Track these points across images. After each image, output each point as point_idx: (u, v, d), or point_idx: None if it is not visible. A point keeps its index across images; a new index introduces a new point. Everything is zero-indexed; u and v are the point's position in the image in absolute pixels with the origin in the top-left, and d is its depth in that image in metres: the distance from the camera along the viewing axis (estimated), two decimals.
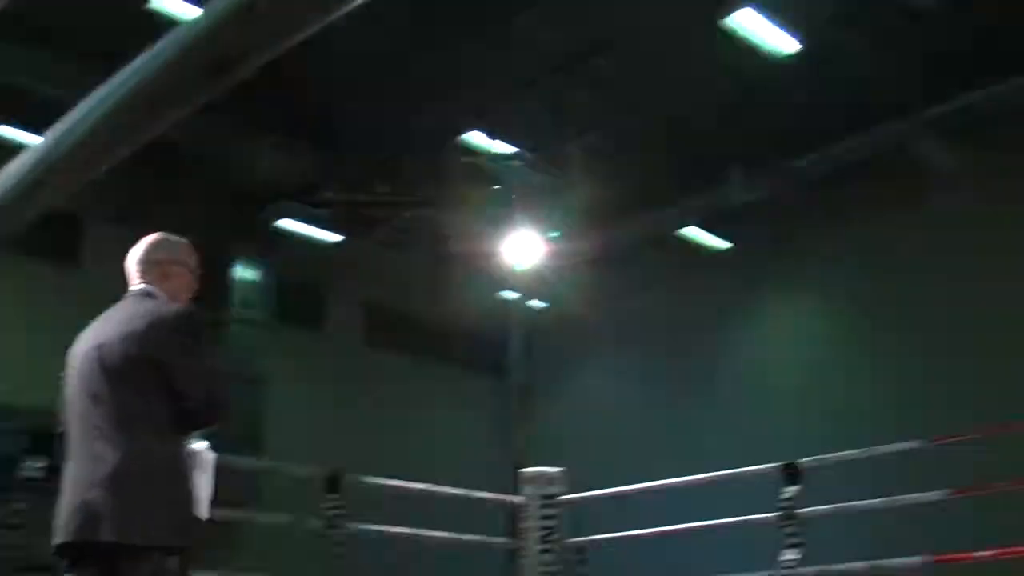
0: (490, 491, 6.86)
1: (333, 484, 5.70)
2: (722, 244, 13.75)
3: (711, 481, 6.00)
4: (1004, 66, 9.77)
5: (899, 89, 10.10)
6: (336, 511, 5.64)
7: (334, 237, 13.41)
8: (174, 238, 3.22)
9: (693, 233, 13.53)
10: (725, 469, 6.00)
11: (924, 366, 11.00)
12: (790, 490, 5.25)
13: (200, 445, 3.07)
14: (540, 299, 14.49)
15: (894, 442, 5.45)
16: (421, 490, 6.22)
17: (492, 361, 15.23)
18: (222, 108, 10.46)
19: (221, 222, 11.75)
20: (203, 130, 9.82)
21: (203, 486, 3.03)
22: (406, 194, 12.13)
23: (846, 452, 5.41)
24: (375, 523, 5.92)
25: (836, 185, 11.35)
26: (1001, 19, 9.25)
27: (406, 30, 9.59)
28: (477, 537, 6.67)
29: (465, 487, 6.48)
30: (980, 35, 9.48)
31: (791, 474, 5.30)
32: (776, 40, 9.74)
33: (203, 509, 3.00)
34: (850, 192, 11.58)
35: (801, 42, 9.74)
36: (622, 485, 6.47)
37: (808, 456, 5.41)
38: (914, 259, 11.43)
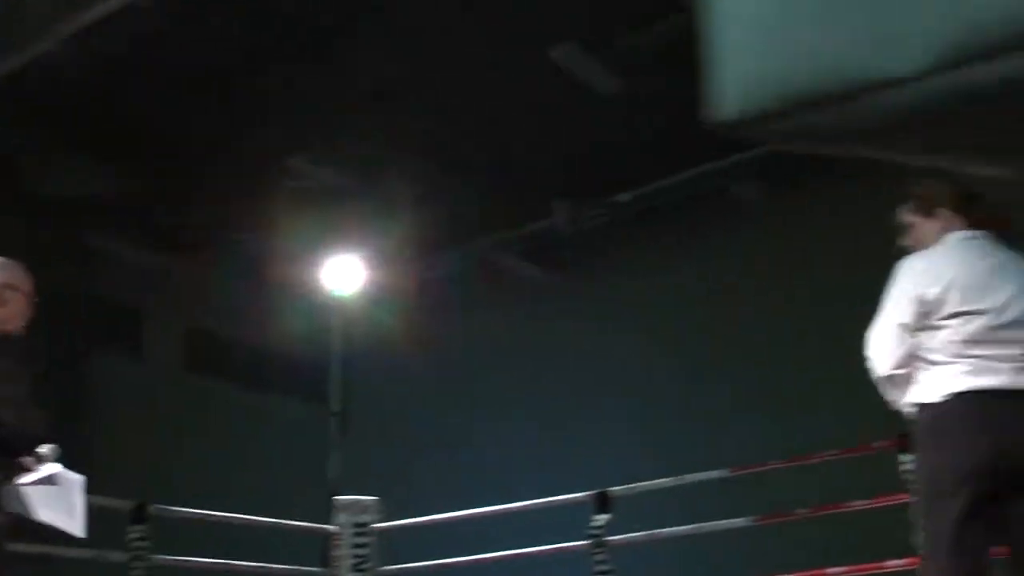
0: (309, 519, 6.79)
1: (139, 515, 5.54)
2: (545, 273, 13.97)
3: (523, 509, 6.09)
4: None
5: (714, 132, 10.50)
6: (141, 543, 5.48)
7: (155, 260, 13.04)
8: (8, 261, 3.10)
9: (516, 261, 13.71)
10: (543, 496, 6.10)
11: (735, 395, 11.35)
12: (600, 518, 5.37)
13: (55, 468, 2.98)
14: (361, 325, 14.41)
15: (705, 470, 5.65)
16: (231, 519, 6.11)
17: (312, 387, 15.04)
18: (38, 123, 10.09)
19: (36, 242, 11.31)
20: (18, 144, 9.46)
21: (73, 506, 2.95)
22: (229, 218, 11.93)
23: (656, 481, 5.58)
24: (186, 554, 5.78)
25: (656, 219, 11.69)
26: None
27: (235, 51, 9.46)
28: (289, 567, 6.58)
29: (284, 515, 6.40)
30: None
31: (602, 502, 5.42)
32: (600, 78, 9.99)
33: (77, 528, 2.93)
34: (669, 226, 11.93)
35: (624, 81, 10.01)
36: (440, 513, 6.50)
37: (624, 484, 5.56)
38: (729, 291, 11.84)
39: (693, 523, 5.53)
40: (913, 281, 3.14)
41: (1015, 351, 3.03)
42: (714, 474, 5.45)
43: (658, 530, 5.56)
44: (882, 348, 3.16)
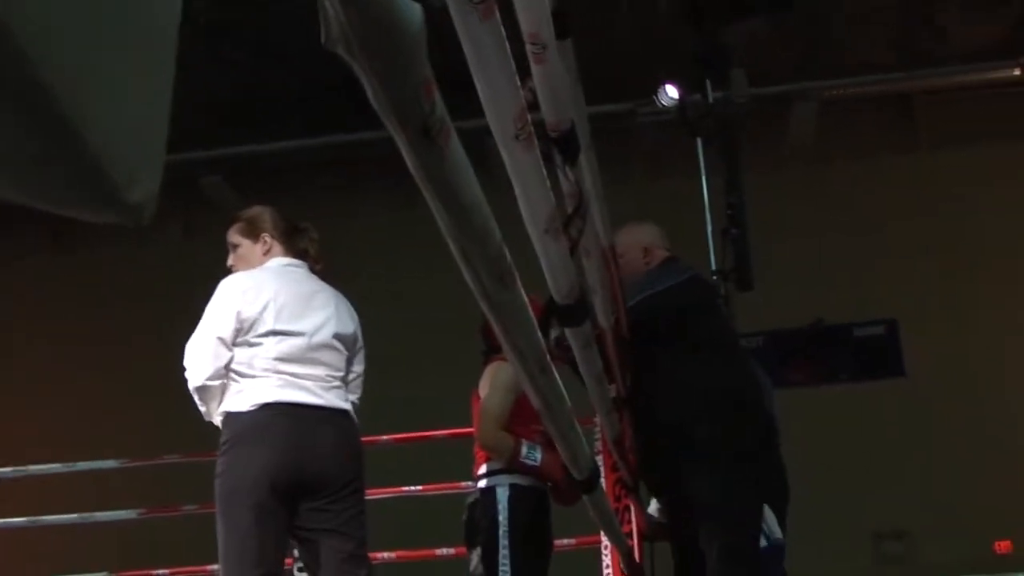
0: None
1: None
2: None
3: None
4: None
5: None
6: None
7: None
8: None
9: None
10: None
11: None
12: None
13: None
14: None
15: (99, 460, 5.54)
16: None
17: None
18: None
19: None
20: None
21: None
22: None
23: (44, 467, 5.39)
24: None
25: None
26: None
27: None
28: None
29: None
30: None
31: None
32: None
33: None
34: None
35: None
36: None
37: None
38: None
39: (80, 512, 5.39)
40: (234, 298, 3.30)
41: (321, 371, 3.32)
42: (106, 464, 5.36)
43: (43, 517, 5.36)
44: (198, 359, 3.26)
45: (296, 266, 3.50)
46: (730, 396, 3.72)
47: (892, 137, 12.53)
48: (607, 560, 5.05)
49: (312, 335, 3.30)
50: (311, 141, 10.92)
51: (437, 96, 0.77)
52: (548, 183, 1.66)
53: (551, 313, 2.17)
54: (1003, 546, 11.06)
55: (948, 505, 10.80)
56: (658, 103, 7.93)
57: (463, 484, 5.40)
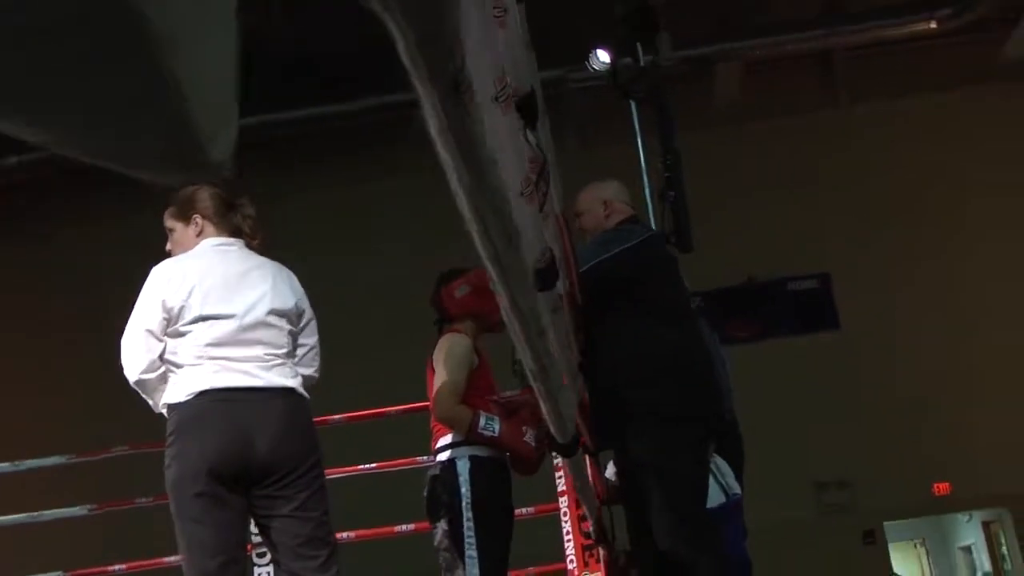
0: None
1: None
2: None
3: None
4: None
5: None
6: None
7: None
8: None
9: None
10: None
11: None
12: None
13: None
14: None
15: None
16: None
17: None
18: None
19: None
20: None
21: None
22: None
23: None
24: None
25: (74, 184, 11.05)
26: None
27: None
28: None
29: None
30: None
31: None
32: None
33: None
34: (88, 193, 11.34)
35: None
36: None
37: None
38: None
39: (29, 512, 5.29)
40: (159, 288, 3.23)
41: (259, 351, 3.21)
42: (50, 460, 5.25)
43: None
44: (130, 354, 3.22)
45: (228, 245, 3.39)
46: (667, 361, 3.75)
47: (815, 94, 12.69)
48: (567, 527, 5.07)
49: (244, 316, 3.21)
50: (263, 117, 10.76)
51: (465, 53, 0.76)
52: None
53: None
54: (941, 488, 11.36)
55: (888, 452, 11.05)
56: (590, 68, 7.92)
57: (418, 459, 5.40)
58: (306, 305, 3.42)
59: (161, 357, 3.20)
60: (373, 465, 5.33)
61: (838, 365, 11.36)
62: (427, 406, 5.61)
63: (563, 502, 5.10)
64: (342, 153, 12.04)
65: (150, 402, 3.28)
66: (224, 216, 3.42)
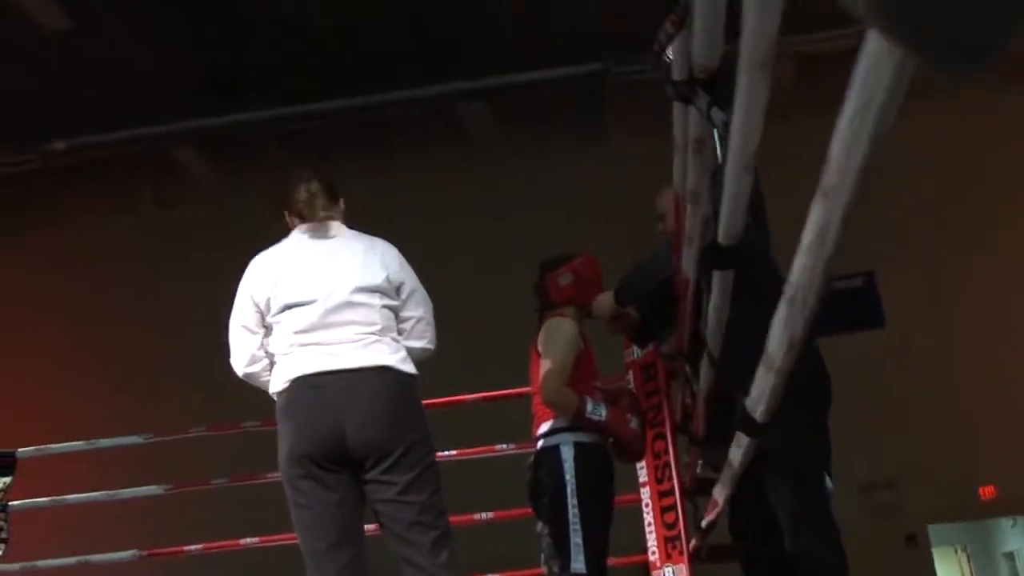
0: None
1: None
2: None
3: None
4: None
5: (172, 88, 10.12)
6: None
7: None
8: None
9: None
10: None
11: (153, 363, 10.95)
12: (2, 481, 4.96)
13: None
14: None
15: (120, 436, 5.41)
16: None
17: None
18: None
19: None
20: None
21: None
22: None
23: (67, 444, 5.25)
24: None
25: (81, 175, 11.00)
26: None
27: None
28: None
29: None
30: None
31: (6, 464, 5.01)
32: (46, 12, 9.13)
33: None
34: (92, 185, 11.28)
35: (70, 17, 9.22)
36: None
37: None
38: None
39: (107, 490, 5.28)
40: (247, 283, 3.31)
41: (350, 332, 3.19)
42: (130, 440, 5.22)
43: (67, 496, 5.23)
44: (233, 351, 3.30)
45: (310, 231, 3.40)
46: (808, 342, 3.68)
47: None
48: (649, 518, 5.02)
49: (327, 298, 3.21)
50: (284, 110, 10.74)
51: None
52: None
53: (712, 252, 2.12)
54: (987, 491, 11.25)
55: (934, 454, 10.95)
56: (666, 59, 7.85)
57: (496, 447, 5.36)
58: (405, 277, 3.38)
59: (261, 349, 3.26)
60: (453, 452, 5.28)
61: (884, 365, 11.27)
62: (503, 394, 5.60)
63: (645, 493, 5.05)
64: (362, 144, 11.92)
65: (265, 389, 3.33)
66: (305, 203, 3.42)
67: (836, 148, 0.98)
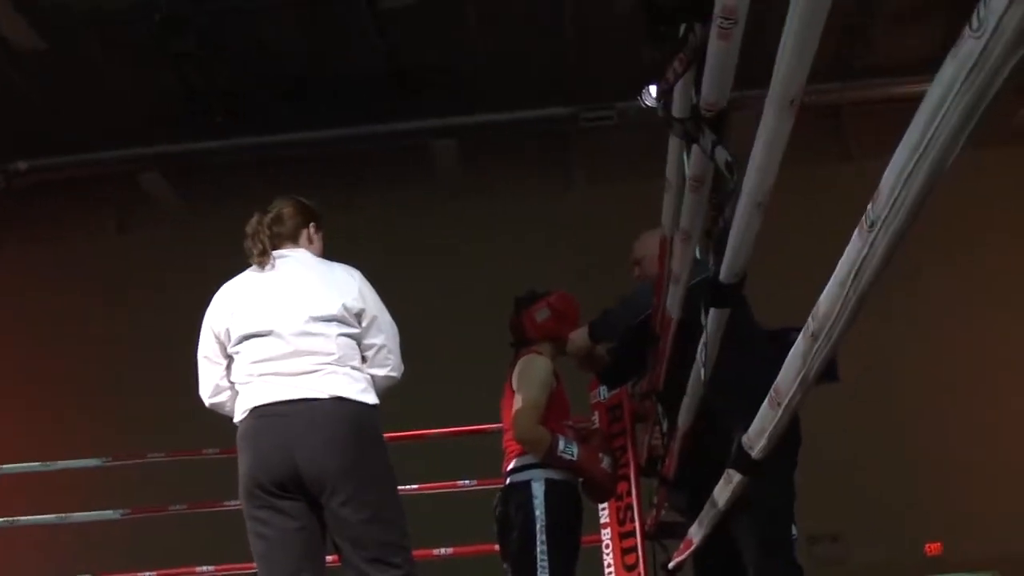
0: None
1: None
2: None
3: None
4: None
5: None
6: None
7: None
8: None
9: None
10: None
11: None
12: None
13: None
14: None
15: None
16: None
17: None
18: None
19: None
20: None
21: None
22: None
23: (21, 464, 5.16)
24: None
25: (46, 196, 10.86)
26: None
27: None
28: None
29: None
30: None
31: None
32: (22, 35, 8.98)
33: None
34: (57, 207, 11.14)
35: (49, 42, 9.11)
36: None
37: None
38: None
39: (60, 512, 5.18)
40: (209, 316, 3.30)
41: (306, 362, 3.15)
42: (88, 462, 5.14)
43: (19, 517, 5.13)
44: (200, 380, 3.30)
45: (268, 261, 3.34)
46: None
47: (822, 147, 12.75)
48: (609, 559, 5.01)
49: (283, 328, 3.17)
50: (252, 140, 10.67)
51: None
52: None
53: (713, 289, 2.15)
54: (933, 548, 11.34)
55: (880, 508, 11.04)
56: (641, 103, 7.97)
57: (459, 483, 5.34)
58: (366, 304, 3.29)
59: (227, 379, 3.26)
60: (414, 487, 5.25)
61: (834, 418, 11.34)
62: (465, 430, 5.60)
63: (605, 534, 5.05)
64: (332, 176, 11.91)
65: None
66: (254, 236, 3.37)
67: (890, 179, 1.00)
